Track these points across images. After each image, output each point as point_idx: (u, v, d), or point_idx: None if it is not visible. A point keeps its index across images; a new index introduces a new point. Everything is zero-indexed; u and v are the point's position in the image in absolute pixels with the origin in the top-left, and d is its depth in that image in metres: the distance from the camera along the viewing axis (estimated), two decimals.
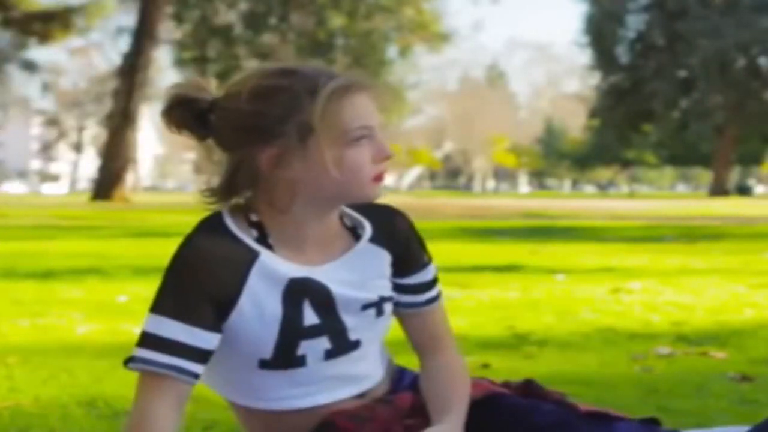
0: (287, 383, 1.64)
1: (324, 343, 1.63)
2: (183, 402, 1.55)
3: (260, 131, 1.55)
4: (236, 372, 1.65)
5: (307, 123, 1.54)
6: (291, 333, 1.60)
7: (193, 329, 1.53)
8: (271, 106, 1.55)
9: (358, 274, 1.67)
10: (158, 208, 25.94)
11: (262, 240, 1.61)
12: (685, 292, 6.51)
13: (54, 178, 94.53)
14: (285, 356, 1.61)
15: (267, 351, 1.60)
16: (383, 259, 1.71)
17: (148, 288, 6.47)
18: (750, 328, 4.97)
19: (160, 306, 1.55)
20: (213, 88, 1.63)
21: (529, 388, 1.74)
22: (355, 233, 1.71)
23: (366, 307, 1.66)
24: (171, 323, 1.53)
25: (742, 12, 49.91)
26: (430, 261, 1.79)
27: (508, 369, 3.78)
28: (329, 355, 1.64)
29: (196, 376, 1.55)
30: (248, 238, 1.60)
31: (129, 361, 1.56)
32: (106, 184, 32.59)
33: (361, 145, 1.57)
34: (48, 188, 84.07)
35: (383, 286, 1.71)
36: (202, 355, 1.55)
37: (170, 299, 1.54)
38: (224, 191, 1.62)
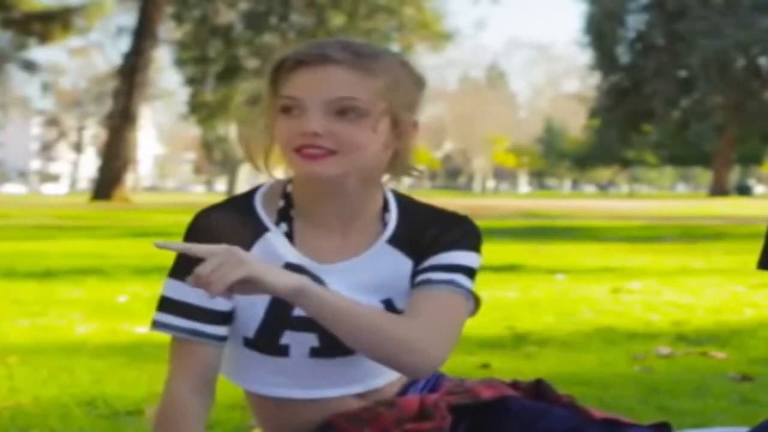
0: (268, 369, 1.65)
1: (311, 339, 1.62)
2: (213, 363, 1.59)
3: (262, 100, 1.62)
4: (228, 346, 1.66)
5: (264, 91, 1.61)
6: (276, 318, 1.60)
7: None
8: (264, 75, 1.61)
9: (366, 278, 1.62)
10: (158, 208, 25.95)
11: (285, 211, 1.63)
12: (685, 292, 6.52)
13: (54, 178, 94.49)
14: (267, 341, 1.62)
15: (251, 330, 1.61)
16: (401, 264, 1.64)
17: (148, 288, 6.47)
18: (750, 328, 4.98)
19: (173, 269, 1.61)
20: None
21: (539, 389, 1.70)
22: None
23: None
24: (182, 286, 1.57)
25: (742, 12, 49.88)
26: (456, 248, 1.63)
27: (508, 369, 3.78)
28: (315, 353, 1.63)
29: (218, 337, 1.59)
30: (268, 212, 1.62)
31: (152, 324, 1.61)
32: (106, 184, 32.60)
33: (291, 116, 1.56)
34: (48, 188, 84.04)
35: (398, 294, 1.64)
36: (218, 317, 1.59)
37: (181, 262, 1.59)
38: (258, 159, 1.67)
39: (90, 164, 71.06)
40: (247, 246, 1.58)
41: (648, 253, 10.37)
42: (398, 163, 1.63)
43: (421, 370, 1.56)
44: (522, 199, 49.12)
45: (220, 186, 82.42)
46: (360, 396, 1.68)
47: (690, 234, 14.56)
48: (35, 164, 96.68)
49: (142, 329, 4.69)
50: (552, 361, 4.05)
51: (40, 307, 5.59)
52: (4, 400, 3.26)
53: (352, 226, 1.63)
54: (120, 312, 5.43)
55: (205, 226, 1.59)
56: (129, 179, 34.84)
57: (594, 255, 9.98)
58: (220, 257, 1.42)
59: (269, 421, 1.72)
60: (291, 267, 1.59)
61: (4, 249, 10.40)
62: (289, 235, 1.62)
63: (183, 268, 1.57)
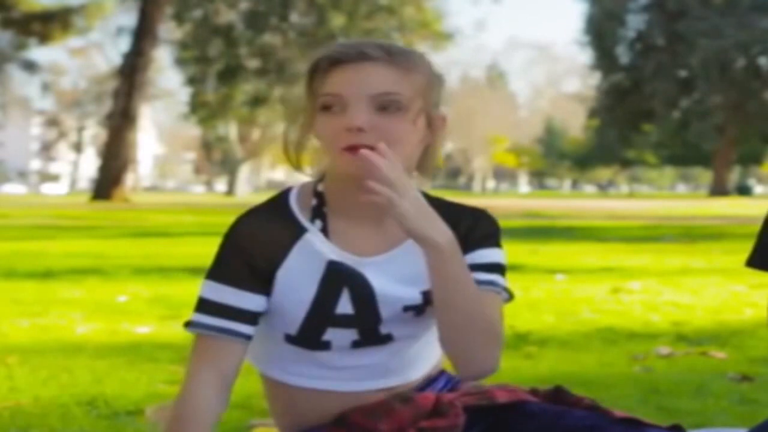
0: (309, 363, 1.66)
1: (352, 334, 1.64)
2: (236, 362, 1.61)
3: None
4: (265, 340, 1.68)
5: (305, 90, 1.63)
6: (320, 316, 1.62)
7: (240, 292, 1.60)
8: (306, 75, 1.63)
9: (406, 269, 1.64)
10: (158, 208, 25.96)
11: (318, 208, 1.64)
12: (685, 292, 6.52)
13: (54, 178, 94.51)
14: (310, 337, 1.63)
15: (293, 327, 1.63)
16: None
17: (148, 288, 6.48)
18: (750, 328, 4.97)
19: (212, 272, 1.63)
20: None
21: (558, 394, 1.70)
22: None
23: (407, 309, 1.64)
24: (221, 287, 1.61)
25: (742, 12, 49.91)
26: (490, 245, 1.67)
27: (508, 369, 3.77)
28: (356, 345, 1.65)
29: (246, 336, 1.61)
30: (303, 212, 1.64)
31: (187, 324, 1.63)
32: (106, 184, 32.61)
33: (333, 113, 1.56)
34: (48, 188, 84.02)
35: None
36: (251, 317, 1.61)
37: (220, 265, 1.63)
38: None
39: (90, 164, 71.12)
40: (287, 248, 1.61)
41: (648, 253, 10.37)
42: (428, 160, 1.66)
43: (489, 370, 1.59)
44: (522, 199, 49.14)
45: (220, 186, 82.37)
46: (391, 389, 1.68)
47: (690, 234, 14.56)
48: (35, 164, 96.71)
49: (142, 329, 4.69)
50: (552, 361, 4.05)
51: (40, 307, 5.59)
52: (4, 400, 3.26)
53: (385, 219, 1.64)
54: (120, 312, 5.43)
55: (247, 231, 1.62)
56: (129, 179, 34.84)
57: (594, 255, 9.98)
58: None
59: (287, 414, 1.72)
60: (333, 264, 1.61)
61: (4, 249, 10.40)
62: (324, 231, 1.64)
63: (221, 270, 1.62)
